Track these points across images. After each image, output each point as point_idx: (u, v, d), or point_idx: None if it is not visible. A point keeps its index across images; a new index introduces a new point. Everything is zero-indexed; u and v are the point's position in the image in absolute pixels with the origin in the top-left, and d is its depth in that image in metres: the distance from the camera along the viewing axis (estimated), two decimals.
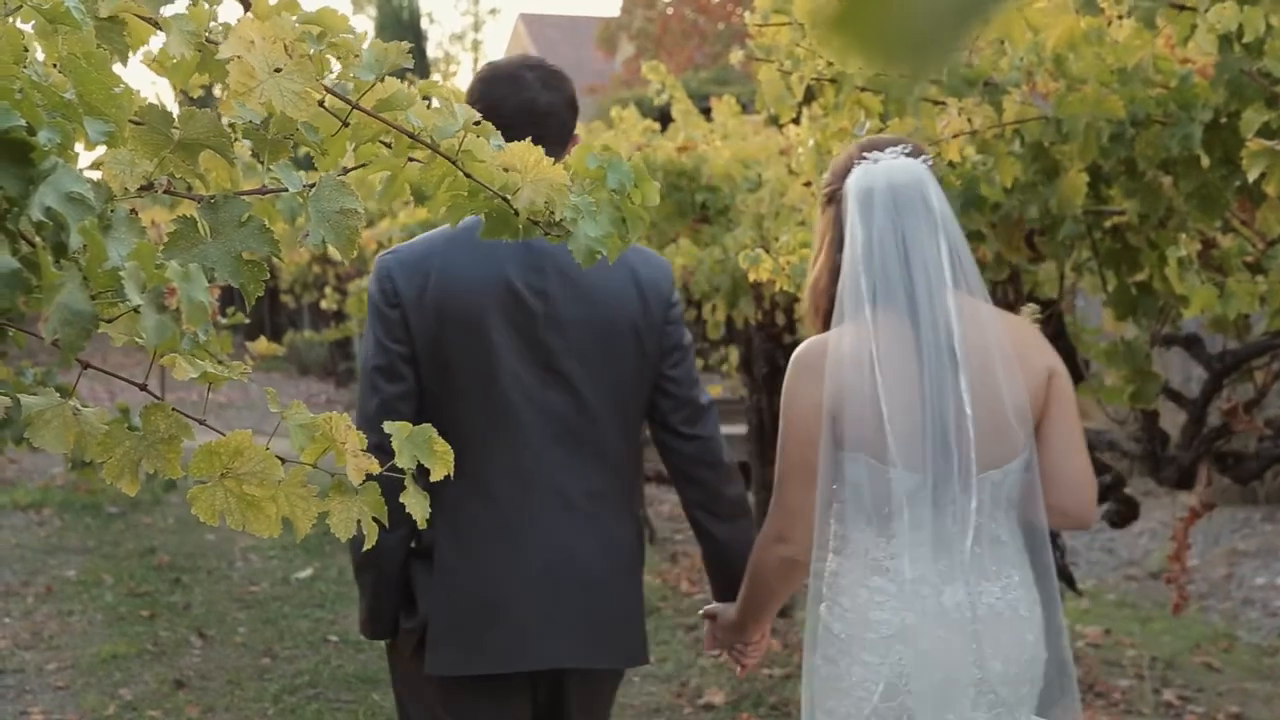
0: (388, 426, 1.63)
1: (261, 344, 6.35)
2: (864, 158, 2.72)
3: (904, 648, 2.61)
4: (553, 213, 1.69)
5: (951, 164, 3.41)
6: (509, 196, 1.68)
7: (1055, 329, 4.04)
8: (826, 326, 2.77)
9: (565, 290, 2.90)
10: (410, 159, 1.70)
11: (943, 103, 3.28)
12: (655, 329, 3.00)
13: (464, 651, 2.94)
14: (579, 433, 2.94)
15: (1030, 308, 3.29)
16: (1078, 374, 4.07)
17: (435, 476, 1.65)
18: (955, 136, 3.26)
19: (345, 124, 1.62)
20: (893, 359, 2.62)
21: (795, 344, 7.23)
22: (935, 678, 2.61)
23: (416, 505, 1.64)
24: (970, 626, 2.62)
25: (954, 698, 2.61)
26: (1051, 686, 2.75)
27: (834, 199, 2.77)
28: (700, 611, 3.22)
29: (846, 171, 2.75)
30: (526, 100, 2.90)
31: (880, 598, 2.64)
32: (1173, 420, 3.75)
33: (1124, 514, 3.95)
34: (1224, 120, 2.94)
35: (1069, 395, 2.75)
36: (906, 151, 2.71)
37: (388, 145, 1.69)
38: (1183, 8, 2.90)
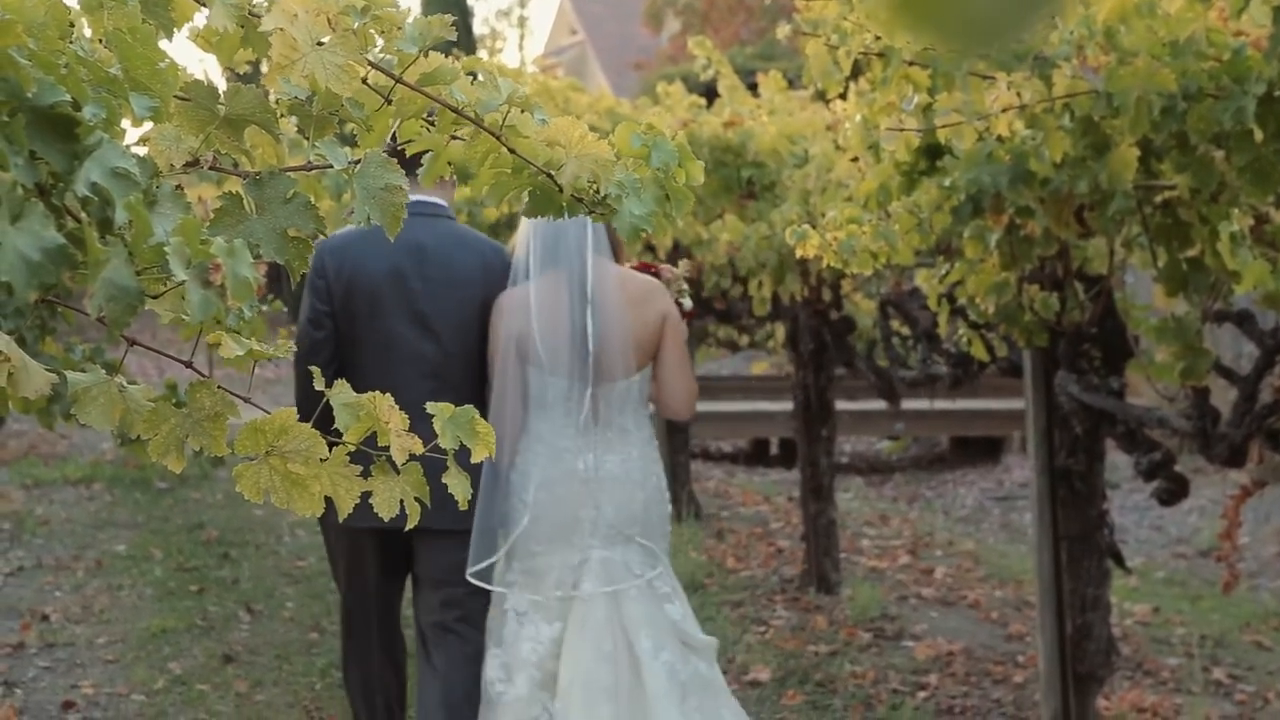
0: (431, 407, 1.71)
1: None
2: None
3: (546, 493, 4.00)
4: (597, 189, 1.68)
5: (1000, 139, 3.38)
6: (553, 173, 1.67)
7: (1105, 305, 4.00)
8: None
9: (437, 274, 4.14)
10: (453, 137, 1.69)
11: (992, 77, 3.24)
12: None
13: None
14: (440, 370, 4.15)
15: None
16: (1127, 350, 4.03)
17: (476, 458, 1.73)
18: (1004, 111, 3.23)
19: (388, 101, 1.61)
20: (547, 302, 3.99)
21: (842, 320, 7.17)
22: (564, 513, 4.00)
23: (458, 486, 1.66)
24: (592, 483, 4.00)
25: (576, 529, 4.00)
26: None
27: None
28: None
29: None
30: None
31: (538, 459, 4.02)
32: (1223, 397, 3.71)
33: (1174, 491, 3.91)
34: (1278, 94, 2.90)
35: (677, 331, 4.10)
36: None
37: (430, 124, 1.68)
38: None
